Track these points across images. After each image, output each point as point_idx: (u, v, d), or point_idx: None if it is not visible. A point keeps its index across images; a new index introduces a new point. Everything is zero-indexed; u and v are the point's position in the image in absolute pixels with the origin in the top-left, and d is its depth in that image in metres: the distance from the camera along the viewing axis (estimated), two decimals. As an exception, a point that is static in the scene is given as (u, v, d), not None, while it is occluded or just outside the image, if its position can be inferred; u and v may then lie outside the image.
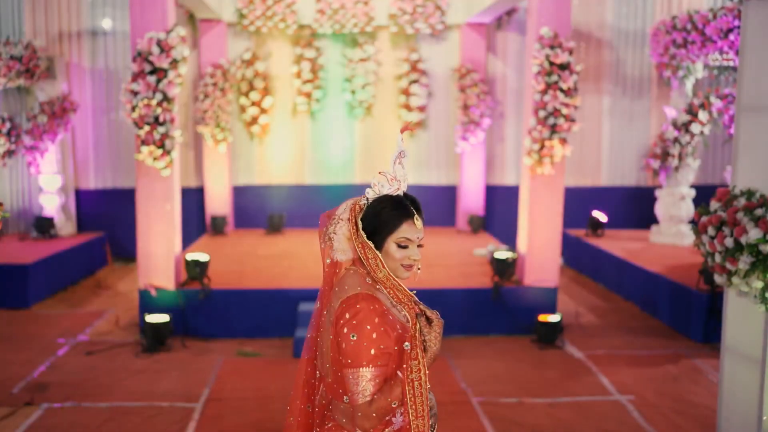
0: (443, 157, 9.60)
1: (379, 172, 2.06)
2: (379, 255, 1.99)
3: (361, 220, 2.02)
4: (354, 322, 1.91)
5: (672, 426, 4.51)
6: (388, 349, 1.92)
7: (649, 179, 9.62)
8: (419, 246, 2.04)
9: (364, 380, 1.90)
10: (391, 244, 2.00)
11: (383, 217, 2.00)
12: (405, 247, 2.01)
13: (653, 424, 4.53)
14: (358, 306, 1.93)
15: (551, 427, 4.48)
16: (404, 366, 1.90)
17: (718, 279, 3.75)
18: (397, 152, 2.04)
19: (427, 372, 1.91)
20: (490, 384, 5.17)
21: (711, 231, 3.75)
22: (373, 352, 1.90)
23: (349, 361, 1.91)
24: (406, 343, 1.91)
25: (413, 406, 1.88)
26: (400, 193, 2.06)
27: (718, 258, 3.69)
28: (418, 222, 2.01)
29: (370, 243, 2.00)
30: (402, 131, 2.05)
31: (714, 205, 3.77)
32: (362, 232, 2.01)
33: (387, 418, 1.94)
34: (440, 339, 1.93)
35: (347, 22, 8.86)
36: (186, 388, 5.01)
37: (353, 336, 1.90)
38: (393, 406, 1.90)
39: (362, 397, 1.90)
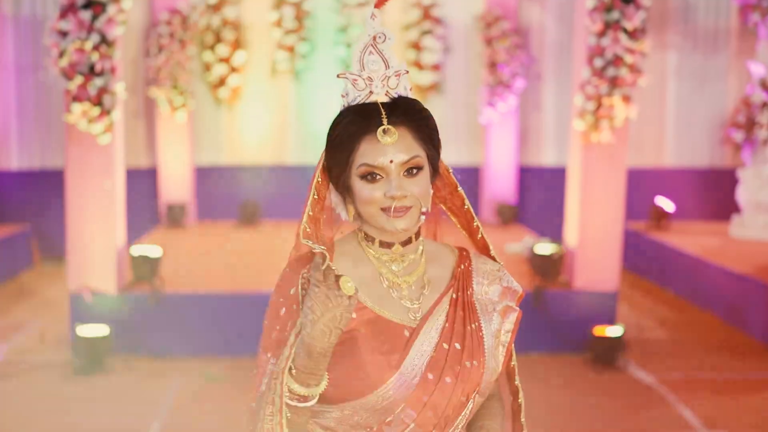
0: (463, 129, 9.39)
1: (338, 75, 1.57)
2: (312, 201, 1.56)
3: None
4: (273, 290, 1.61)
5: (783, 472, 4.15)
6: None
7: (729, 157, 9.44)
8: (412, 173, 1.53)
9: (260, 370, 1.55)
10: (355, 181, 1.53)
11: (333, 141, 1.54)
12: (372, 179, 1.52)
13: (758, 470, 4.16)
14: (286, 269, 1.60)
15: (621, 474, 4.12)
16: None
17: None
18: (368, 39, 1.54)
19: (293, 365, 1.45)
20: (535, 416, 4.76)
21: None
22: (274, 336, 1.54)
23: None
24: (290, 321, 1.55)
25: (264, 405, 1.48)
26: (378, 98, 1.55)
27: None
28: (385, 136, 1.50)
29: (322, 190, 1.59)
30: (377, 5, 1.56)
31: None
32: (320, 173, 1.59)
33: (257, 426, 1.50)
34: (321, 322, 1.40)
35: (341, -44, 8.58)
36: (129, 423, 4.71)
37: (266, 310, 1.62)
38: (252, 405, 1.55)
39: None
